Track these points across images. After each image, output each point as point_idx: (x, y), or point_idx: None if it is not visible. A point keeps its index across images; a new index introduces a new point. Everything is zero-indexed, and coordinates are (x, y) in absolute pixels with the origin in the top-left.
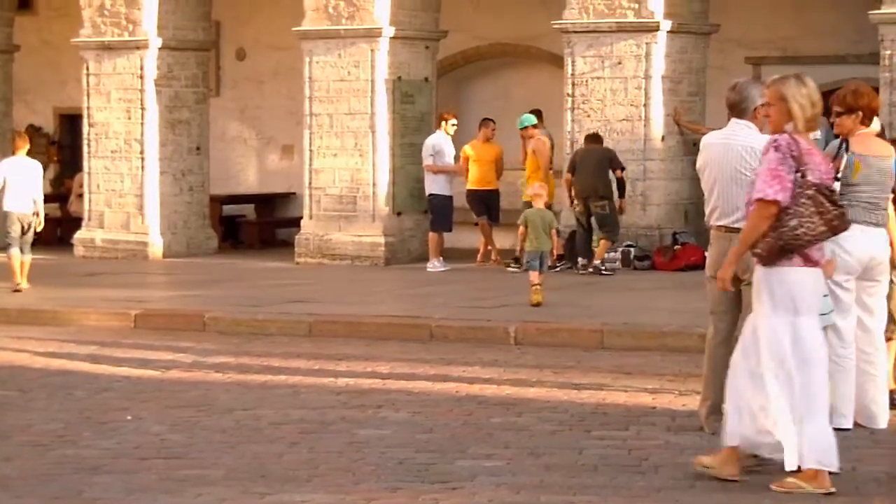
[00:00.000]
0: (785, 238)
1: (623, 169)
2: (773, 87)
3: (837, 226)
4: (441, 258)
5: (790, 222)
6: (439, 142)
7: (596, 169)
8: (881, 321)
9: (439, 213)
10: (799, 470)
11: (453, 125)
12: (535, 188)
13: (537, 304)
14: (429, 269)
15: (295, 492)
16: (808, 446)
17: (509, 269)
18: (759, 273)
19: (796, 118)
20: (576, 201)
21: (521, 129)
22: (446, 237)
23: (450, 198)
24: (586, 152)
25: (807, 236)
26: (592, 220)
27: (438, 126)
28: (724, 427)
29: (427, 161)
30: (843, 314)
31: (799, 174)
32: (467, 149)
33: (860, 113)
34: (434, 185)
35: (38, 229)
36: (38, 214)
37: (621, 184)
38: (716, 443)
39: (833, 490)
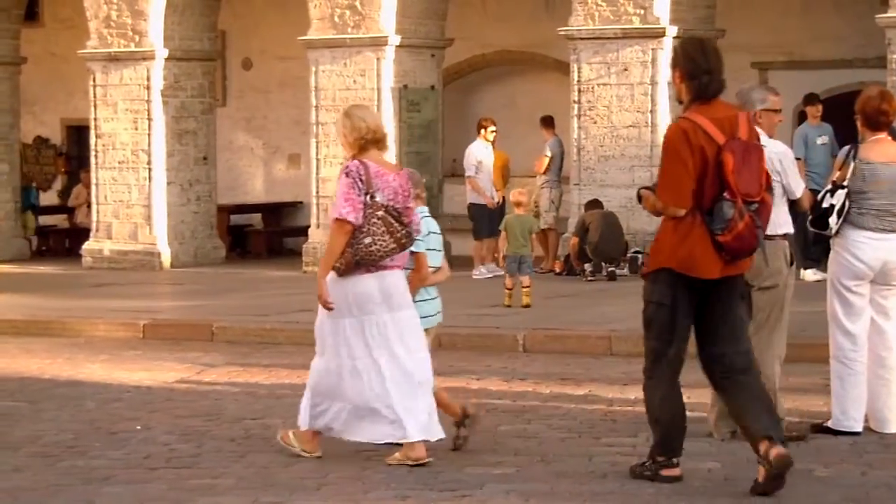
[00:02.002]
0: (361, 254)
1: None
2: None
3: (405, 243)
4: (485, 264)
5: (365, 240)
6: (481, 153)
7: (618, 233)
8: None
9: (479, 221)
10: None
11: (493, 132)
12: (516, 195)
13: (509, 306)
14: (475, 276)
15: (304, 500)
16: (412, 422)
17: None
18: (332, 280)
19: (342, 143)
20: (588, 265)
21: None
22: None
23: (475, 205)
24: (602, 217)
25: (380, 252)
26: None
27: (478, 133)
28: (301, 411)
29: (469, 172)
30: (853, 318)
31: (368, 196)
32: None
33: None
34: (473, 194)
35: None
36: None
37: None
38: (726, 449)
39: (430, 460)
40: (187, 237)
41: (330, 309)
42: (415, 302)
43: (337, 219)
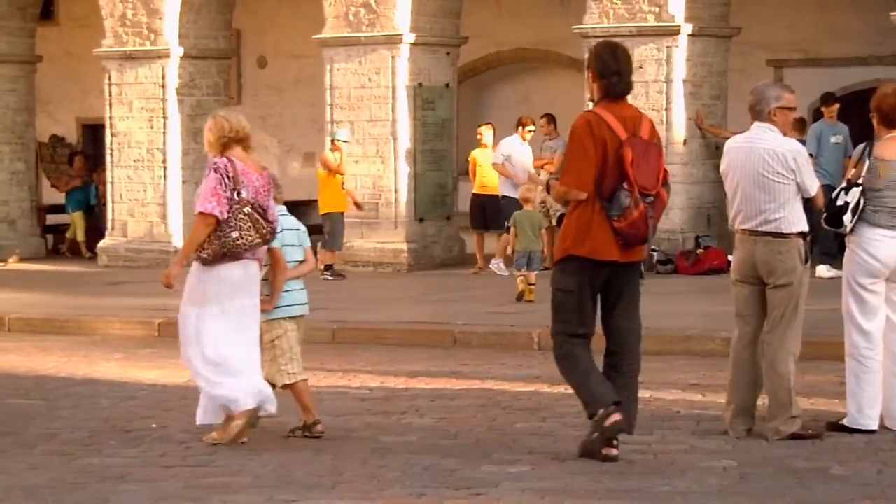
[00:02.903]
0: (228, 246)
1: None
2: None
3: (269, 238)
4: (501, 260)
5: (232, 234)
6: (511, 147)
7: None
8: None
9: (510, 213)
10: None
11: (530, 131)
12: (523, 191)
13: (521, 297)
14: (491, 268)
15: (320, 498)
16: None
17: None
18: (197, 269)
19: (206, 146)
20: None
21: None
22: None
23: (506, 197)
24: None
25: (246, 245)
26: None
27: (516, 130)
28: (200, 407)
29: (497, 160)
30: (868, 316)
31: (235, 192)
32: (476, 153)
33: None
34: (505, 187)
35: None
36: None
37: None
38: (740, 446)
39: (244, 439)
40: None
41: (170, 287)
42: (284, 292)
43: (202, 213)
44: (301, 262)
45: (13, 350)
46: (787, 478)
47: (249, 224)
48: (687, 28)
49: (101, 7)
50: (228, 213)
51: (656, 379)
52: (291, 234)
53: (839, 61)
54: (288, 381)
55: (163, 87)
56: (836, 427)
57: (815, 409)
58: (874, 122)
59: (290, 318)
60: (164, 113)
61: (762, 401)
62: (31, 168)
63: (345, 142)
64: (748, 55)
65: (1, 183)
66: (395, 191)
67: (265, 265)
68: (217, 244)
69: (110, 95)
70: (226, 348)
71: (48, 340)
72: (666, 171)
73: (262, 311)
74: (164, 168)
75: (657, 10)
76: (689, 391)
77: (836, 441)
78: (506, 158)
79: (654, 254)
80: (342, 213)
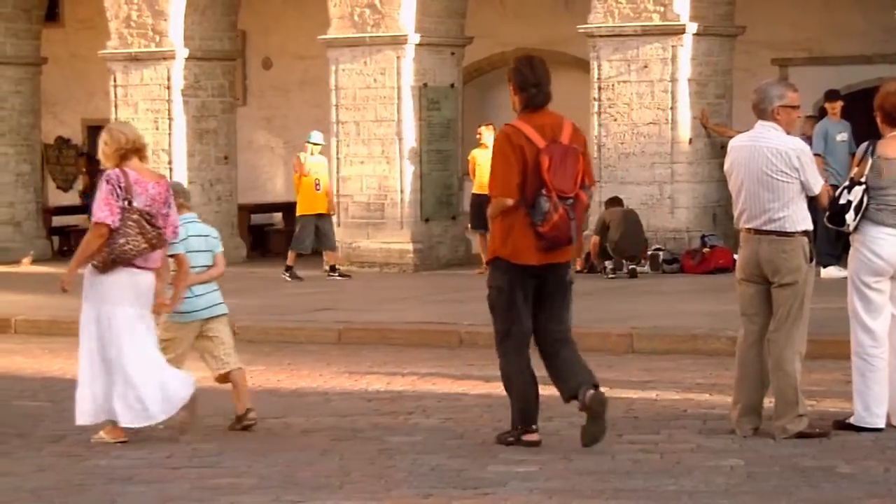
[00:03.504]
0: (116, 252)
1: None
2: None
3: (156, 244)
4: None
5: (119, 240)
6: None
7: (639, 230)
8: None
9: None
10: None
11: None
12: None
13: None
14: None
15: (327, 499)
16: (118, 406)
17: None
18: (91, 275)
19: (102, 158)
20: (608, 263)
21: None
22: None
23: None
24: (622, 215)
25: (133, 251)
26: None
27: None
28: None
29: None
30: (873, 315)
31: (126, 201)
32: (476, 153)
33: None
34: None
35: None
36: None
37: None
38: (747, 445)
39: (126, 439)
40: None
41: (65, 291)
42: (189, 297)
43: (95, 222)
44: (209, 266)
45: (20, 352)
46: (794, 476)
47: (137, 230)
48: (692, 27)
49: (106, 9)
50: (119, 221)
51: (663, 378)
52: (199, 240)
53: (844, 60)
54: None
55: (168, 88)
56: (843, 425)
57: (822, 407)
58: (878, 120)
59: (208, 318)
60: (169, 114)
61: (769, 400)
62: (37, 170)
63: (316, 144)
64: (753, 54)
65: (6, 185)
66: (401, 191)
67: (172, 271)
68: (106, 251)
69: (115, 97)
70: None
71: (55, 342)
72: (586, 173)
73: (162, 312)
74: (170, 169)
75: (662, 9)
76: (695, 390)
77: (843, 439)
78: None
79: (660, 253)
80: (315, 216)
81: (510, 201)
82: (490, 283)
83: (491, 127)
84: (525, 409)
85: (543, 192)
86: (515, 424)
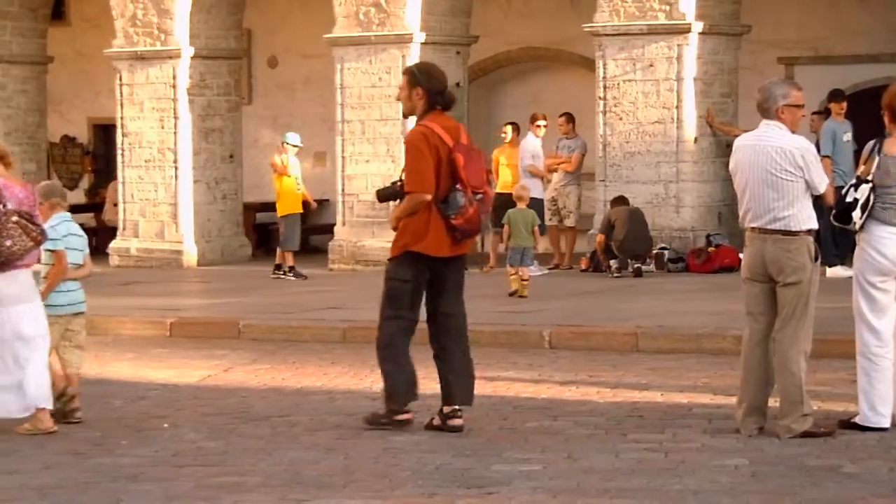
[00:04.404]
0: (4, 255)
1: None
2: None
3: (40, 240)
4: (536, 261)
5: (6, 242)
6: (535, 145)
7: (644, 229)
8: None
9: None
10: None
11: (538, 126)
12: (518, 190)
13: (514, 294)
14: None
15: (331, 498)
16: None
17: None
18: None
19: None
20: (613, 262)
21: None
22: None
23: (542, 201)
24: (627, 214)
25: (21, 251)
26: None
27: (531, 128)
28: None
29: (528, 161)
30: (878, 314)
31: (2, 205)
32: (497, 153)
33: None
34: (534, 189)
35: None
36: None
37: None
38: (752, 444)
39: (55, 429)
40: (214, 235)
41: None
42: (59, 292)
43: None
44: (80, 265)
45: None
46: (798, 476)
47: (20, 231)
48: (698, 26)
49: (112, 7)
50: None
51: (668, 377)
52: (76, 240)
53: (850, 59)
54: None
55: (174, 87)
56: (848, 425)
57: (827, 407)
58: (885, 119)
59: (73, 314)
60: (175, 113)
61: (774, 399)
62: (43, 168)
63: (294, 146)
64: (759, 53)
65: None
66: None
67: (46, 264)
68: None
69: (121, 95)
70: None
71: None
72: (488, 171)
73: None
74: (176, 168)
75: (668, 8)
76: (700, 390)
77: (848, 439)
78: (534, 157)
79: (665, 252)
80: (298, 214)
81: (429, 196)
82: (394, 275)
83: (515, 126)
84: (398, 392)
85: (458, 187)
86: (389, 406)
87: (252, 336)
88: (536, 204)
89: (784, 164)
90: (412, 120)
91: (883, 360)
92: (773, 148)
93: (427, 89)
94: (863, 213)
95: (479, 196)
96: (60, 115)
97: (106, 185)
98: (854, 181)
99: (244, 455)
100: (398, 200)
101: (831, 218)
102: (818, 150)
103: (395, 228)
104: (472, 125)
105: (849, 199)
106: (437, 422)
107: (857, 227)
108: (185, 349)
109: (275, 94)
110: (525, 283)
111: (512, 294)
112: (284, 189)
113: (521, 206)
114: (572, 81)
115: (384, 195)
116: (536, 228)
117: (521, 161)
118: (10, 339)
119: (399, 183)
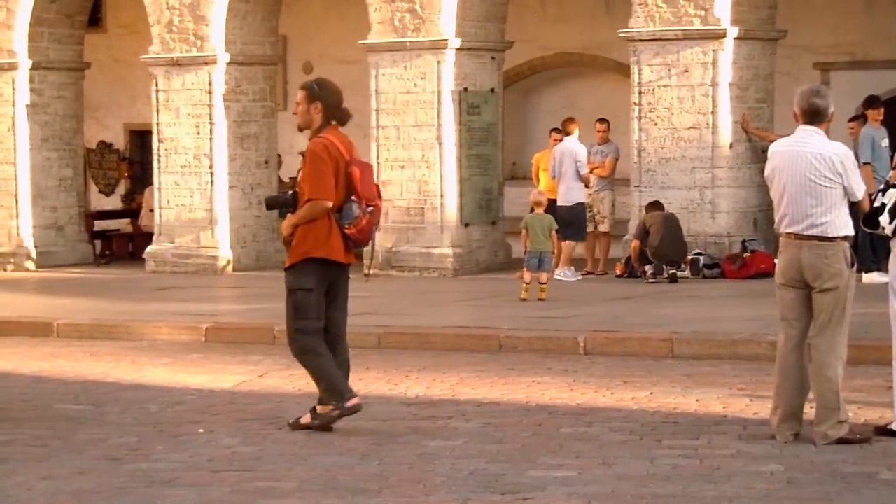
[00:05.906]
0: None
1: None
2: None
3: None
4: (572, 267)
5: None
6: (582, 150)
7: (679, 235)
8: None
9: (580, 221)
10: None
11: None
12: (535, 195)
13: (525, 300)
14: (557, 276)
15: (365, 503)
16: None
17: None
18: None
19: None
20: (648, 267)
21: None
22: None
23: (583, 204)
24: (662, 219)
25: None
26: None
27: (568, 133)
28: None
29: (581, 170)
30: None
31: None
32: (538, 157)
33: None
34: (581, 194)
35: None
36: None
37: None
38: (788, 451)
39: None
40: (249, 241)
41: None
42: None
43: None
44: None
45: (62, 355)
46: (834, 483)
47: None
48: (733, 31)
49: (149, 14)
50: None
51: (703, 383)
52: None
53: (886, 64)
54: None
55: (209, 93)
56: (885, 431)
57: (864, 413)
58: None
59: None
60: (210, 119)
61: (809, 405)
62: (80, 174)
63: None
64: (795, 58)
65: (49, 189)
66: (441, 196)
67: None
68: None
69: (157, 101)
70: None
71: (96, 346)
72: (378, 185)
73: None
74: (211, 174)
75: (703, 13)
76: (735, 396)
77: (884, 445)
78: (579, 163)
79: (701, 258)
80: None
81: (330, 203)
82: (297, 285)
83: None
84: (335, 386)
85: (354, 198)
86: (333, 402)
87: (286, 341)
88: (580, 209)
89: (823, 171)
90: (447, 124)
91: None
92: (812, 154)
93: (326, 104)
94: (891, 217)
95: (371, 208)
96: (97, 121)
97: (142, 190)
98: (883, 186)
99: (279, 460)
100: (289, 209)
101: (860, 222)
102: (857, 157)
103: (287, 237)
104: (507, 130)
105: (877, 203)
106: (307, 418)
107: (888, 231)
108: (220, 354)
109: None
110: (544, 286)
111: (524, 299)
112: None
113: (539, 210)
114: (607, 87)
115: (273, 203)
116: (554, 233)
117: (559, 165)
118: None
119: (291, 193)
